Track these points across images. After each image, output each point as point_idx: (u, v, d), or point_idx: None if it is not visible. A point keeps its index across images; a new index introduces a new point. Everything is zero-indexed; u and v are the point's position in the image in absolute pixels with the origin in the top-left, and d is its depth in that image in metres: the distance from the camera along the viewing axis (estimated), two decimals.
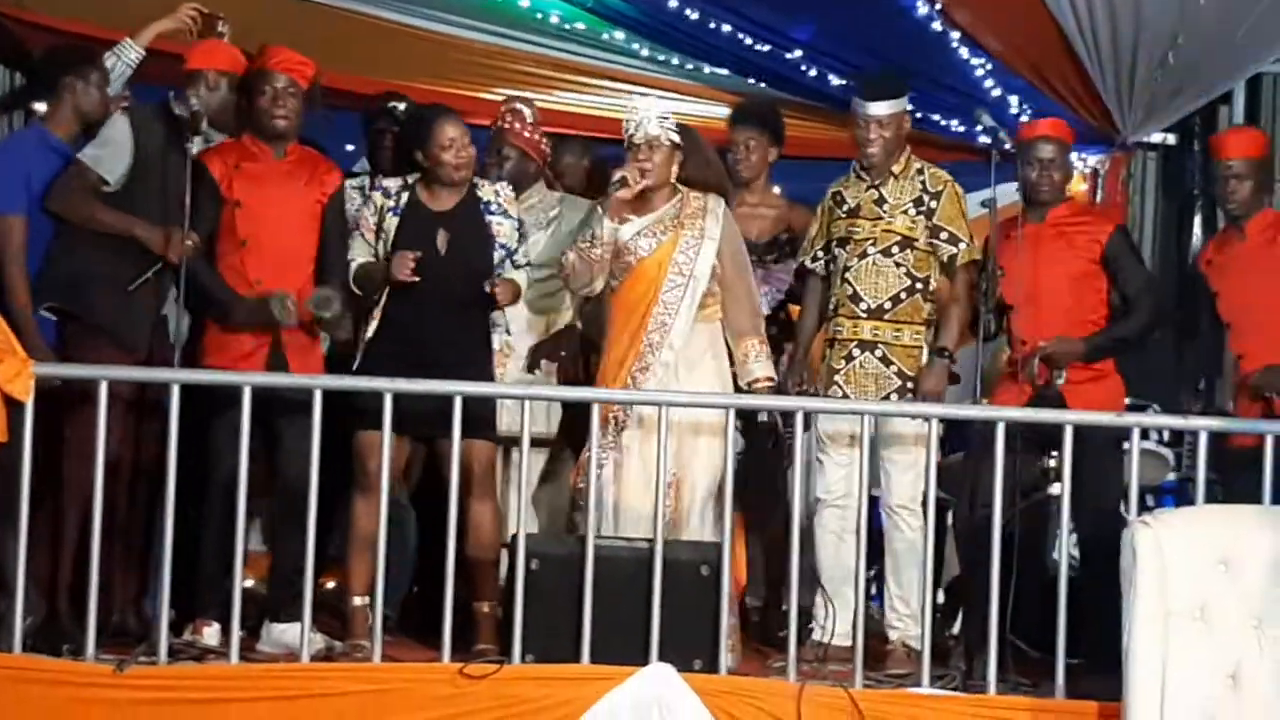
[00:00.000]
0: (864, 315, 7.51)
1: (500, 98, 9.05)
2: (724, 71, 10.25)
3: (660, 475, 6.90)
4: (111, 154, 7.30)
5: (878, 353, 7.50)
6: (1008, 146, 7.63)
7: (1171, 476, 8.72)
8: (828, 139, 9.71)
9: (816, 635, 7.40)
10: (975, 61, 9.82)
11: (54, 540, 7.10)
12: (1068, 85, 9.59)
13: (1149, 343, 7.75)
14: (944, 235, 7.55)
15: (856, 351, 7.51)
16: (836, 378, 7.52)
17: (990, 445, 6.91)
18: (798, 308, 8.02)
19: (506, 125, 8.17)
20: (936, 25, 9.62)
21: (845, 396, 7.47)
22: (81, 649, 6.69)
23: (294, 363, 7.35)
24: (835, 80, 9.90)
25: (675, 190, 7.45)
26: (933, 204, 7.55)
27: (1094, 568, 7.33)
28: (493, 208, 7.46)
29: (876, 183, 7.59)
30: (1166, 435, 8.77)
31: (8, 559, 6.79)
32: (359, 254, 7.38)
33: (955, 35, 9.73)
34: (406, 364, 7.02)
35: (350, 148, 9.03)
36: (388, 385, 6.86)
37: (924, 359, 7.53)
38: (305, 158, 7.55)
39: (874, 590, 8.11)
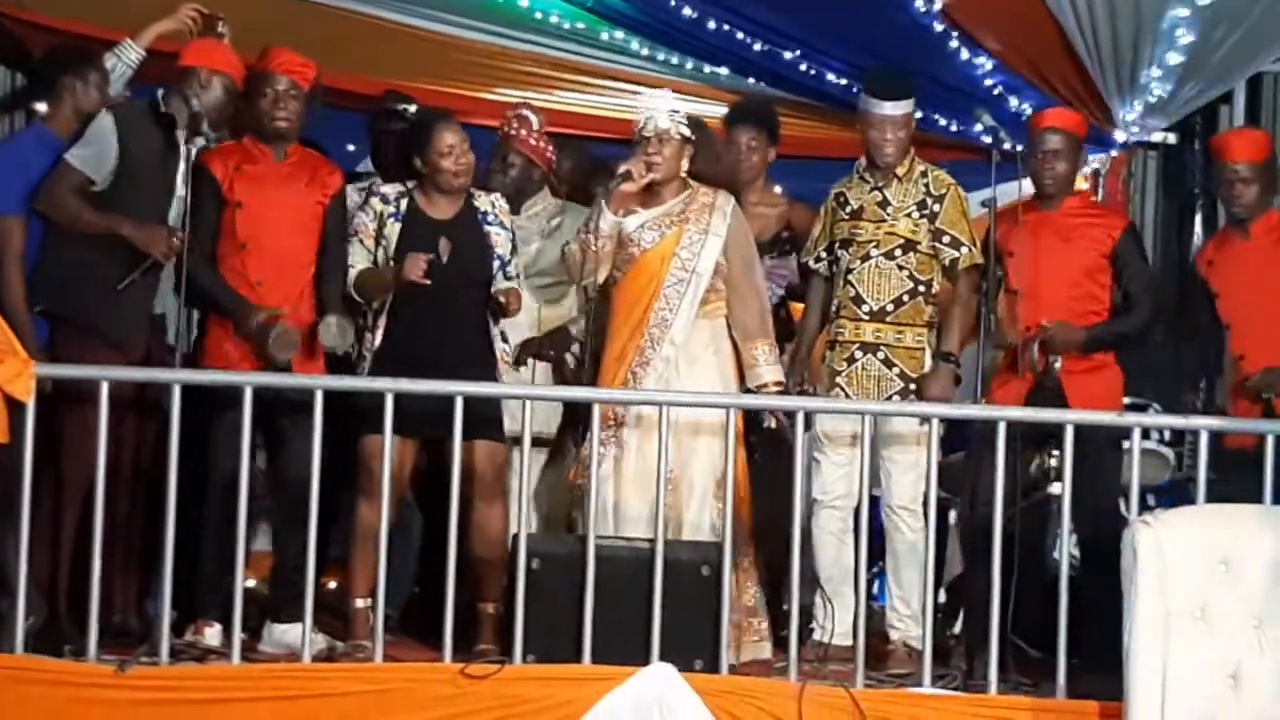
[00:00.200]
0: (866, 317, 7.51)
1: (500, 98, 9.07)
2: (723, 70, 10.26)
3: (660, 475, 6.90)
4: (97, 153, 7.27)
5: (880, 355, 7.50)
6: (1007, 146, 7.63)
7: (1166, 476, 8.73)
8: (827, 138, 9.72)
9: (817, 635, 7.40)
10: (975, 61, 9.83)
11: (54, 541, 7.09)
12: (1068, 84, 9.59)
13: (1149, 342, 7.76)
14: (946, 239, 7.55)
15: (859, 354, 7.51)
16: (839, 379, 7.52)
17: (991, 444, 6.91)
18: (799, 305, 8.01)
19: (513, 132, 8.15)
20: (937, 25, 9.62)
21: (847, 398, 7.47)
22: (83, 650, 6.70)
23: (296, 366, 7.31)
24: (834, 79, 9.89)
25: (685, 185, 7.45)
26: (936, 207, 7.55)
27: (1094, 567, 7.33)
28: (490, 218, 7.46)
29: (880, 185, 7.59)
30: (1167, 435, 8.77)
31: (9, 560, 6.79)
32: (357, 260, 7.37)
33: (955, 34, 9.73)
34: (413, 371, 7.00)
35: (351, 148, 9.03)
36: (389, 386, 6.87)
37: (926, 361, 7.53)
38: (306, 159, 7.54)
39: (875, 590, 8.11)
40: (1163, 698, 6.14)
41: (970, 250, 7.54)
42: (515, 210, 7.93)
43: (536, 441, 7.27)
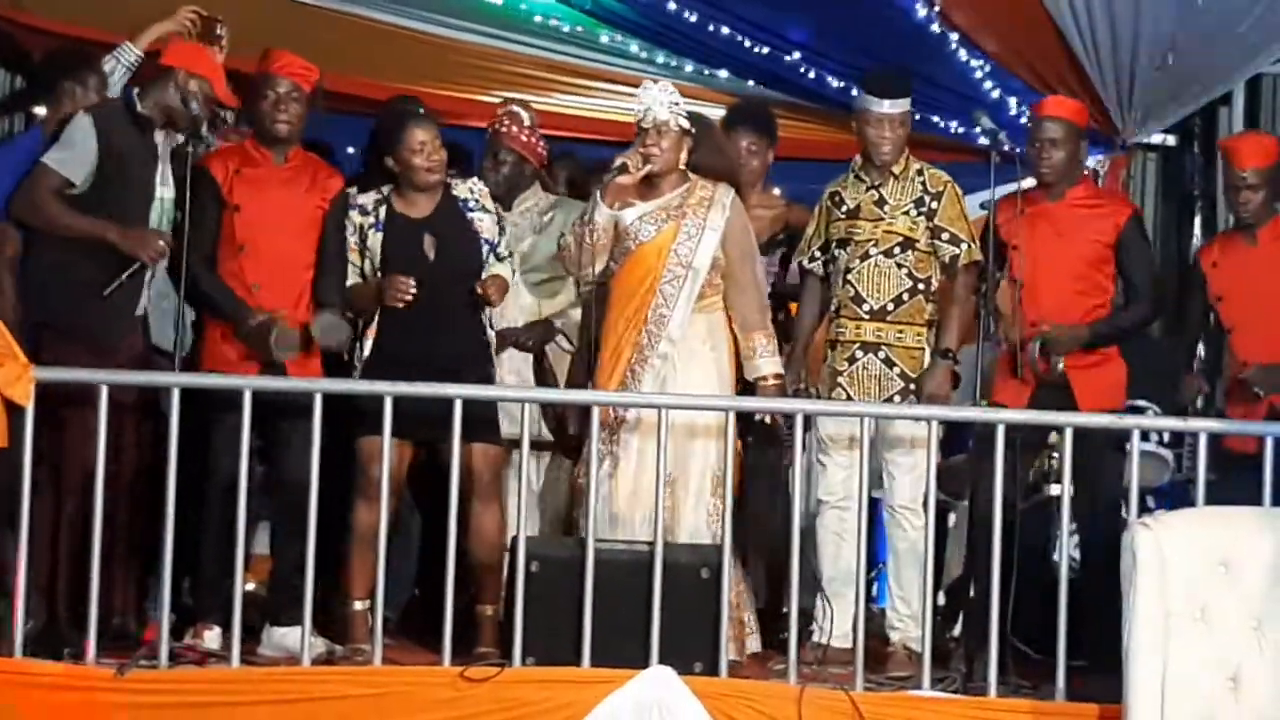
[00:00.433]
0: (867, 317, 7.51)
1: (498, 100, 9.05)
2: (723, 73, 10.25)
3: (660, 478, 6.90)
4: (76, 156, 7.22)
5: (880, 354, 7.50)
6: (1006, 148, 7.63)
7: (1166, 478, 8.73)
8: (826, 140, 9.71)
9: (817, 637, 7.40)
10: (974, 63, 9.83)
11: (53, 545, 7.09)
12: (1067, 87, 9.57)
13: (1149, 344, 7.74)
14: (945, 236, 7.55)
15: (859, 353, 7.51)
16: (840, 379, 7.52)
17: (991, 446, 6.90)
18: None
19: (504, 129, 8.16)
20: (935, 27, 9.62)
21: (849, 398, 7.47)
22: (82, 653, 6.69)
23: (294, 368, 7.30)
24: (833, 82, 9.89)
25: (685, 178, 7.44)
26: (934, 205, 7.55)
27: (1096, 569, 7.32)
28: (471, 204, 7.46)
29: (876, 184, 7.59)
30: (1166, 437, 8.77)
31: (8, 563, 6.79)
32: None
33: (954, 37, 9.73)
34: (408, 372, 7.01)
35: (351, 150, 9.02)
36: (388, 389, 6.86)
37: (926, 360, 7.53)
38: (306, 163, 7.51)
39: (875, 592, 8.11)
40: (1162, 699, 6.13)
41: (969, 247, 7.54)
42: (507, 206, 7.94)
43: (535, 444, 7.27)
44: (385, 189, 7.42)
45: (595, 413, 6.97)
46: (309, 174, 7.48)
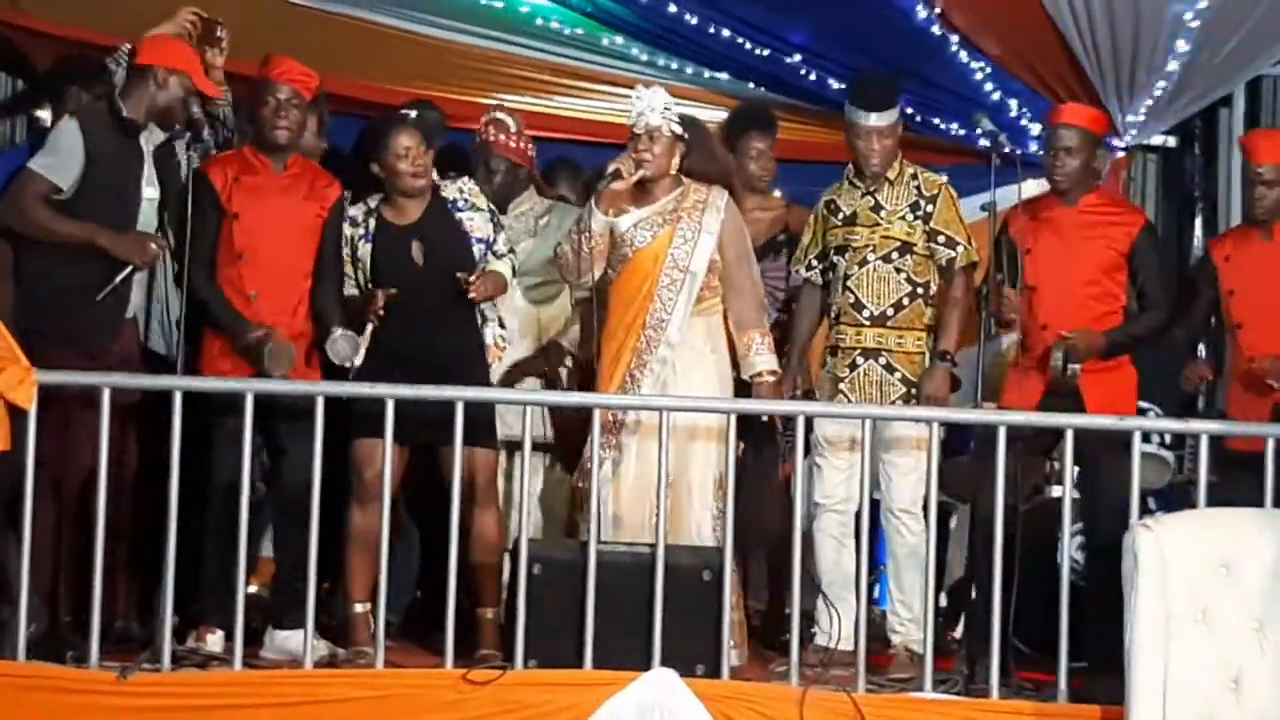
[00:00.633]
0: (867, 323, 7.51)
1: (499, 103, 9.05)
2: (723, 76, 10.25)
3: (661, 481, 6.90)
4: (62, 160, 7.19)
5: (881, 360, 7.50)
6: (1007, 150, 7.63)
7: (1166, 479, 8.72)
8: (826, 142, 9.68)
9: (819, 640, 7.40)
10: (974, 65, 9.82)
11: (55, 548, 7.08)
12: (1067, 88, 9.58)
13: (1152, 345, 7.73)
14: (941, 239, 7.55)
15: (860, 359, 7.51)
16: (841, 385, 7.52)
17: (994, 447, 6.90)
18: None
19: (492, 139, 8.10)
20: (936, 29, 9.62)
21: (850, 404, 7.47)
22: (85, 656, 6.70)
23: (293, 374, 7.27)
24: (834, 84, 9.89)
25: (678, 182, 7.44)
26: (929, 208, 7.55)
27: (1101, 571, 7.31)
28: (460, 204, 7.46)
29: (871, 189, 7.59)
30: (1168, 438, 8.77)
31: (11, 566, 6.79)
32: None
33: (954, 39, 9.72)
34: (404, 376, 7.01)
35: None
36: (389, 392, 6.87)
37: (926, 364, 7.54)
38: (305, 170, 7.49)
39: (876, 594, 8.11)
40: (1164, 700, 6.15)
41: (966, 249, 7.54)
42: (503, 212, 7.93)
43: (536, 446, 7.27)
44: (374, 200, 7.42)
45: (596, 415, 6.98)
46: (308, 181, 7.46)
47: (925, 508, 7.21)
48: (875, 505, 7.48)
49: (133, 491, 7.26)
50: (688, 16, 9.85)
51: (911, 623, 7.38)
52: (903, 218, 7.54)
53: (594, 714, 6.52)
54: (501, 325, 7.66)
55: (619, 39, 10.23)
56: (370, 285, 7.34)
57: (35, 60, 9.23)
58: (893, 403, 7.46)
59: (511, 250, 7.59)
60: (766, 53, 10.03)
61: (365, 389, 7.04)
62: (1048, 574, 7.02)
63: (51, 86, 7.68)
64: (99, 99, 7.50)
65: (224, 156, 7.54)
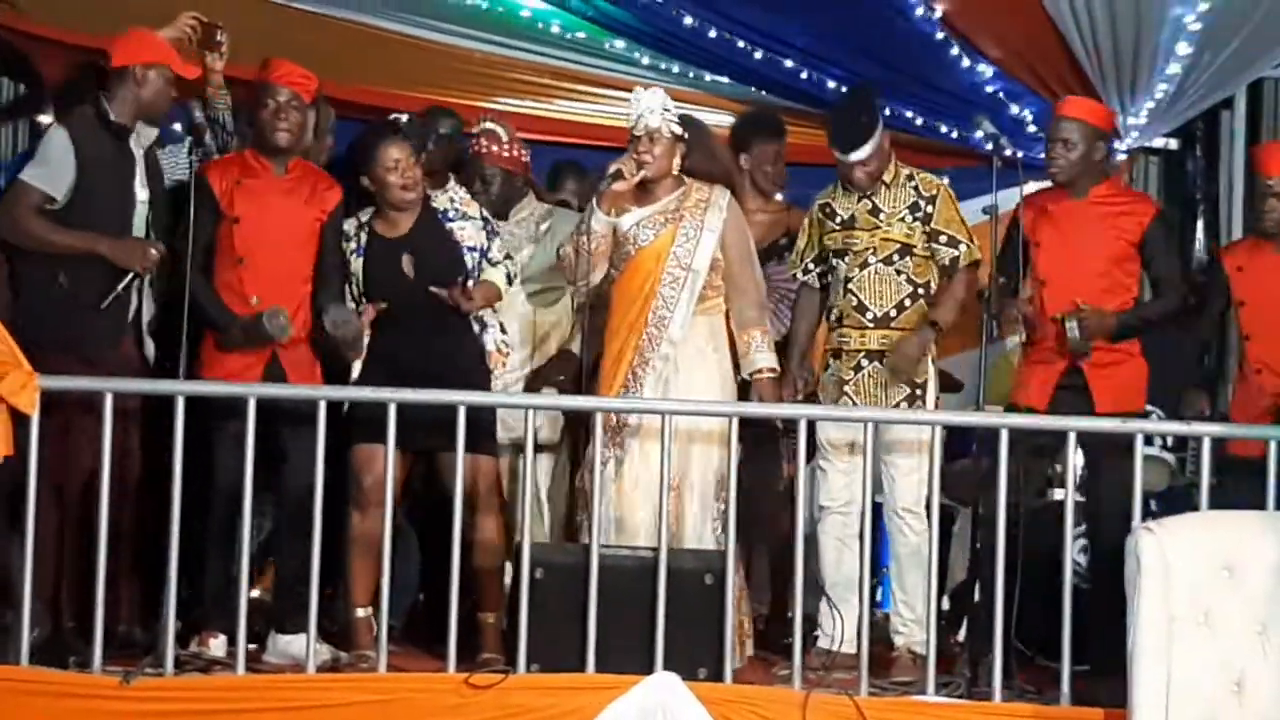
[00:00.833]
0: (871, 325, 7.52)
1: (501, 108, 9.07)
2: (724, 79, 10.25)
3: (664, 483, 6.90)
4: (53, 170, 7.17)
5: (886, 362, 7.50)
6: (1008, 152, 7.63)
7: (1166, 482, 8.72)
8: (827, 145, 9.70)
9: (822, 643, 7.41)
10: (976, 67, 9.83)
11: (58, 552, 7.08)
12: (1068, 90, 9.53)
13: (1153, 346, 7.71)
14: (943, 239, 7.55)
15: (865, 362, 7.51)
16: (846, 388, 7.52)
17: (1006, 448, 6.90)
18: None
19: (484, 150, 8.07)
20: (937, 32, 9.62)
21: (855, 406, 7.47)
22: (88, 661, 6.70)
23: (293, 378, 7.28)
24: (834, 86, 9.89)
25: (679, 182, 7.45)
26: (929, 209, 7.55)
27: (1104, 574, 7.30)
28: (450, 214, 7.47)
29: (869, 193, 7.59)
30: (1170, 440, 8.77)
31: (13, 572, 6.79)
32: None
33: (955, 41, 9.73)
34: (402, 386, 7.00)
35: None
36: (392, 396, 6.87)
37: (929, 366, 7.54)
38: (306, 174, 7.48)
39: (879, 597, 8.11)
40: (1167, 703, 6.14)
41: (968, 247, 7.54)
42: (504, 218, 7.94)
43: (541, 447, 7.27)
44: (365, 214, 7.42)
45: (598, 418, 6.98)
46: (309, 185, 7.45)
47: (928, 510, 7.20)
48: (878, 508, 7.48)
49: (135, 496, 7.25)
50: (688, 20, 9.86)
51: (915, 624, 7.38)
52: (902, 219, 7.54)
53: (596, 718, 6.53)
54: (503, 330, 7.66)
55: (620, 43, 10.23)
56: (364, 299, 7.34)
57: (37, 65, 9.22)
58: (897, 405, 7.47)
59: (509, 257, 7.59)
60: (767, 56, 10.03)
61: (368, 393, 7.04)
62: (1050, 576, 7.01)
63: (69, 97, 7.63)
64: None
65: (224, 160, 7.54)
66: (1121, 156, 9.92)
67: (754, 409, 7.31)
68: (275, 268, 7.35)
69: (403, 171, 7.31)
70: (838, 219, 7.63)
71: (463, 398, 6.90)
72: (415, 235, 7.38)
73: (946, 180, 7.77)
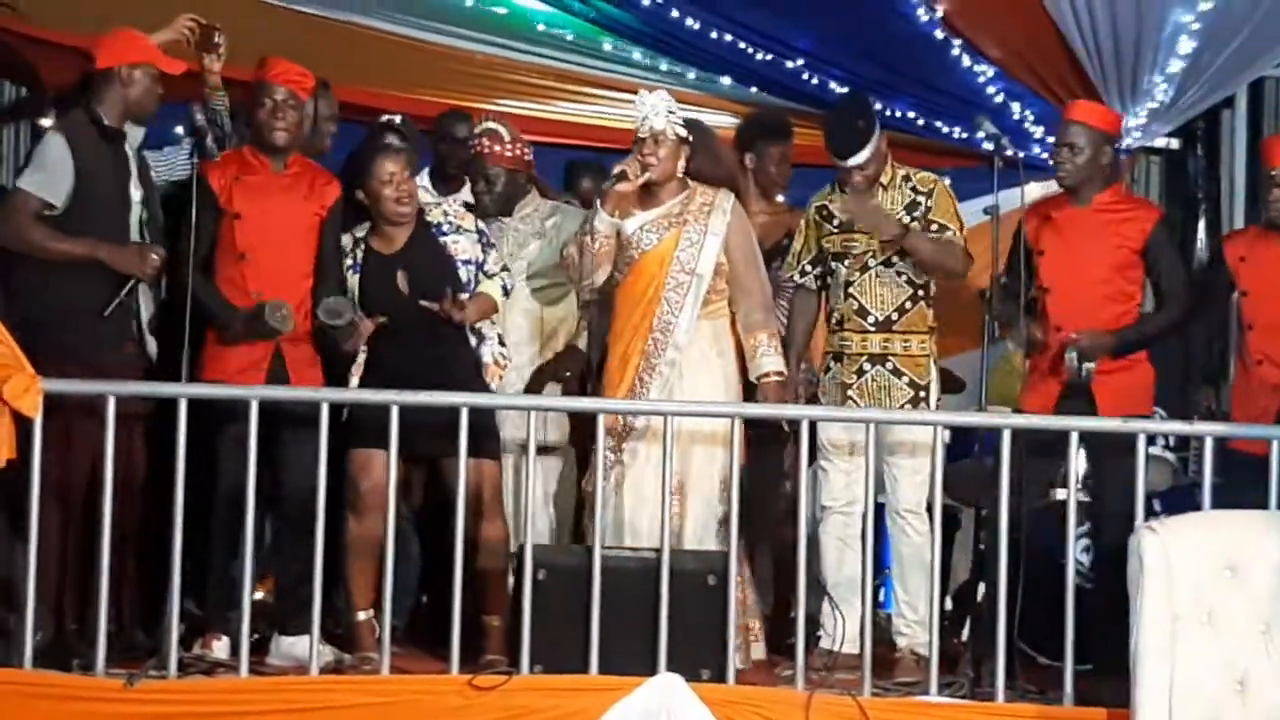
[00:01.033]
0: (872, 329, 7.52)
1: (502, 109, 9.06)
2: (725, 80, 10.26)
3: (666, 485, 6.90)
4: (51, 176, 7.16)
5: (888, 365, 7.50)
6: (1010, 153, 7.63)
7: (1169, 482, 8.72)
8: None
9: (824, 643, 7.41)
10: (977, 68, 9.83)
11: (61, 556, 7.08)
12: (1069, 91, 9.58)
13: (1155, 346, 7.71)
14: (934, 227, 7.54)
15: (867, 365, 7.51)
16: (850, 392, 7.52)
17: (1011, 450, 6.89)
18: None
19: (487, 151, 8.06)
20: (937, 32, 9.63)
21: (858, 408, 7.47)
22: (91, 664, 6.70)
23: (295, 377, 7.29)
24: (837, 88, 9.90)
25: (684, 185, 7.45)
26: (927, 203, 7.55)
27: (1109, 574, 7.30)
28: (444, 228, 7.46)
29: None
30: (1172, 440, 8.77)
31: (17, 574, 6.79)
32: None
33: (956, 42, 9.74)
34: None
35: None
36: (394, 398, 6.86)
37: (931, 367, 7.55)
38: (305, 170, 7.49)
39: (881, 597, 8.11)
40: (1170, 703, 6.14)
41: (955, 233, 7.53)
42: (507, 216, 7.94)
43: (544, 449, 7.27)
44: (361, 230, 7.42)
45: (601, 420, 6.98)
46: (308, 181, 7.46)
47: (930, 510, 7.20)
48: (880, 509, 7.48)
49: (139, 498, 7.25)
50: (689, 21, 9.86)
51: (917, 625, 7.38)
52: (900, 219, 7.54)
53: (600, 719, 6.52)
54: (501, 343, 7.66)
55: (621, 44, 10.23)
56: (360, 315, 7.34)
57: (38, 68, 9.22)
58: (901, 406, 7.47)
59: (505, 268, 7.59)
60: (769, 57, 10.04)
61: (370, 395, 7.04)
62: (1053, 577, 7.01)
63: (75, 102, 7.62)
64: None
65: (224, 157, 7.55)
66: (1123, 157, 9.92)
67: (756, 410, 7.31)
68: (276, 263, 7.35)
69: (397, 185, 7.30)
70: (835, 221, 7.63)
71: (465, 399, 6.90)
72: (410, 251, 7.38)
73: (948, 180, 7.77)
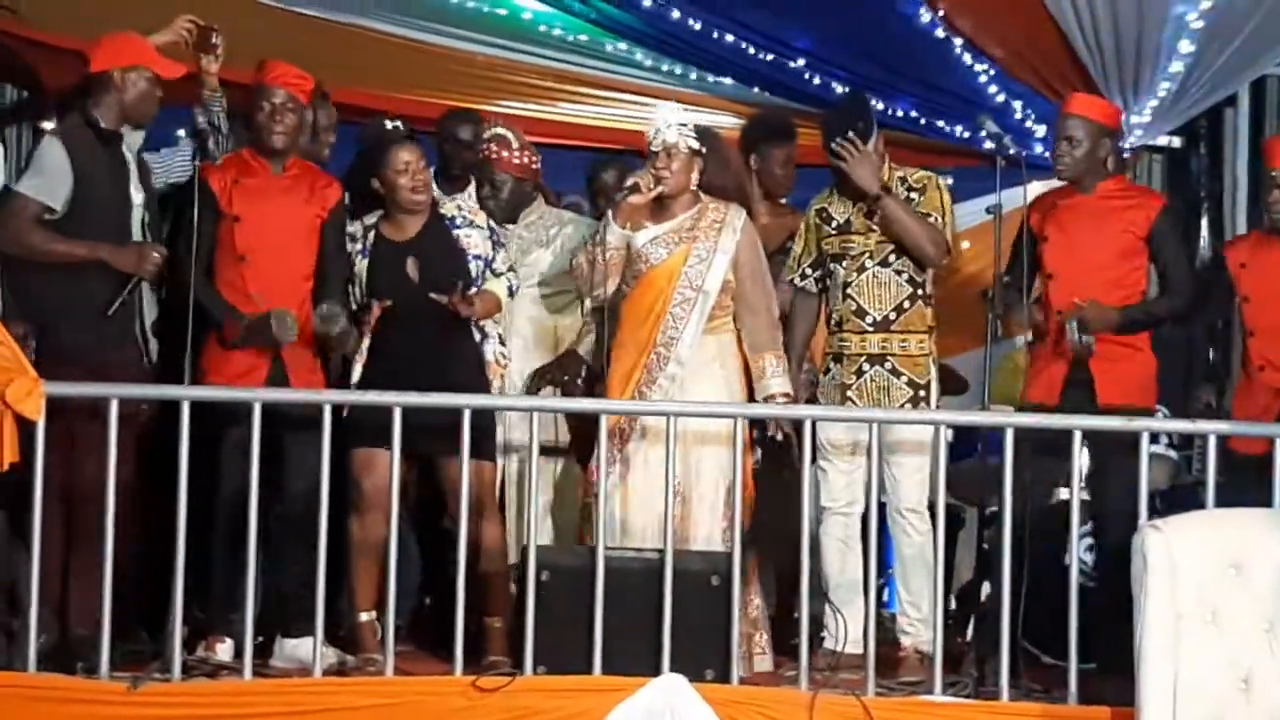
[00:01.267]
0: (871, 329, 7.52)
1: (503, 110, 9.06)
2: (727, 81, 10.26)
3: (669, 486, 6.90)
4: (49, 180, 7.17)
5: (887, 365, 7.51)
6: (1011, 152, 7.63)
7: (1169, 480, 8.71)
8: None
9: (828, 643, 7.40)
10: (978, 67, 9.83)
11: (64, 559, 7.08)
12: (1071, 89, 9.56)
13: (1157, 345, 7.71)
14: (929, 218, 7.55)
15: (866, 366, 7.51)
16: (850, 393, 7.52)
17: (1015, 448, 6.89)
18: None
19: (495, 156, 8.09)
20: (939, 32, 9.63)
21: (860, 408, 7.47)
22: (95, 667, 6.69)
23: (296, 380, 7.30)
24: (839, 88, 9.90)
25: (696, 199, 7.45)
26: (919, 197, 7.56)
27: (1112, 572, 7.29)
28: (458, 221, 7.47)
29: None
30: (1175, 438, 8.76)
31: (21, 577, 6.79)
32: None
33: (957, 41, 9.74)
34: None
35: None
36: (396, 399, 6.86)
37: (930, 367, 7.55)
38: (305, 172, 7.50)
39: (885, 597, 8.10)
40: (1174, 702, 6.13)
41: (939, 219, 7.52)
42: (512, 222, 7.94)
43: (545, 451, 7.26)
44: (372, 217, 7.42)
45: (603, 422, 6.98)
46: (307, 183, 7.47)
47: (933, 510, 7.19)
48: (882, 509, 7.48)
49: (143, 501, 7.25)
50: (691, 22, 9.86)
51: (921, 624, 7.38)
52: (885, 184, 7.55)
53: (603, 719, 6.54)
54: (502, 342, 7.66)
55: (622, 45, 10.24)
56: (367, 299, 7.34)
57: (38, 70, 9.23)
58: (901, 406, 7.47)
59: (512, 269, 7.59)
60: (770, 58, 10.04)
61: (372, 396, 7.04)
62: (1057, 576, 7.01)
63: (74, 106, 7.62)
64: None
65: (224, 160, 7.54)
66: (1126, 154, 9.92)
67: (758, 410, 7.31)
68: (276, 265, 7.36)
69: (413, 174, 7.32)
70: (834, 223, 7.64)
71: (467, 400, 6.90)
72: (422, 240, 7.38)
73: (950, 180, 7.77)
